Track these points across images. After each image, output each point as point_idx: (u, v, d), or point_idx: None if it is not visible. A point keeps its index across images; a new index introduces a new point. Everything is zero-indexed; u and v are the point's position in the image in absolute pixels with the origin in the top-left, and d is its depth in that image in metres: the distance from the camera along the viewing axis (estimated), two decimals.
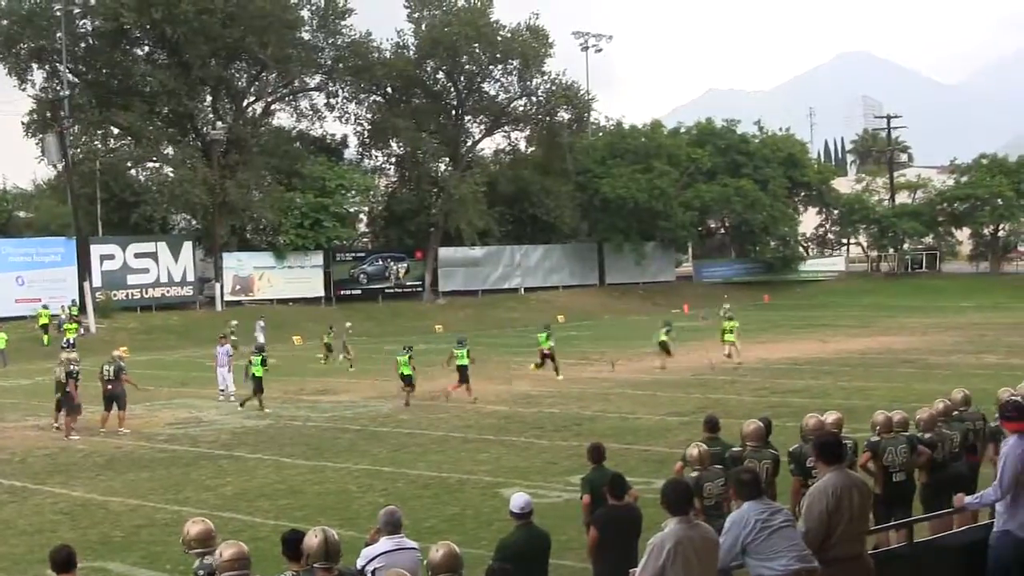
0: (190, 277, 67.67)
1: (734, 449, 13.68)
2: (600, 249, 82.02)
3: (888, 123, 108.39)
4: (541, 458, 23.17)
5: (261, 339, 47.46)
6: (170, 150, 69.77)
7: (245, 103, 73.46)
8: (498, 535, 16.63)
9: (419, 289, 74.20)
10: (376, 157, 79.65)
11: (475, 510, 18.49)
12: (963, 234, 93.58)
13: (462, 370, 33.25)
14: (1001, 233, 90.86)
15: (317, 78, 74.64)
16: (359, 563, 9.64)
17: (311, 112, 75.83)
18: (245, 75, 72.97)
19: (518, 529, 10.93)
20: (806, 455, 12.50)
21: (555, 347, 39.07)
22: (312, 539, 8.57)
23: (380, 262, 73.51)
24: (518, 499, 11.01)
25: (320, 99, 75.36)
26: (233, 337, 43.61)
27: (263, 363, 32.79)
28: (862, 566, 9.01)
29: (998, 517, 10.32)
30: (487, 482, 20.77)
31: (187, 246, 67.95)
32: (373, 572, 9.54)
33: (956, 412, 15.09)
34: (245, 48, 68.41)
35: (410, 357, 32.98)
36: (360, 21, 73.06)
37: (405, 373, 32.74)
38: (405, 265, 74.30)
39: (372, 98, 75.87)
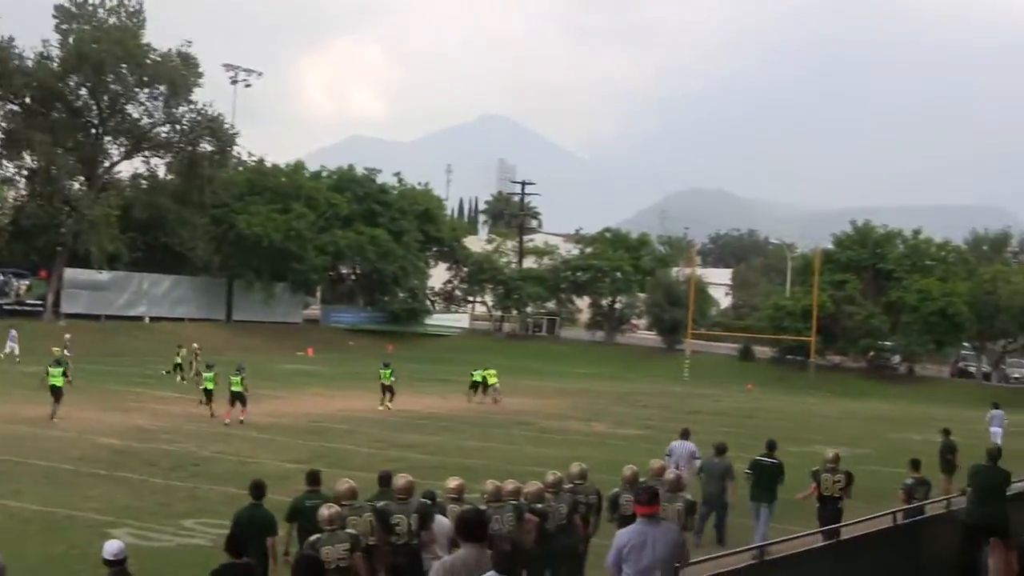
0: None
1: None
2: (230, 285, 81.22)
3: (522, 188, 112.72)
4: (154, 498, 22.74)
5: (15, 348, 54.15)
6: None
7: None
8: None
9: (40, 309, 71.25)
10: (7, 168, 75.91)
11: (81, 550, 17.77)
12: (583, 302, 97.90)
13: (236, 395, 36.12)
14: (618, 305, 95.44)
15: None
16: None
17: None
18: None
19: None
20: (389, 513, 13.34)
21: (395, 382, 43.78)
22: None
23: (1, 277, 70.27)
24: (111, 546, 10.98)
25: None
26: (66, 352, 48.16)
27: (64, 374, 34.78)
28: None
29: None
30: (96, 520, 20.21)
31: None
32: None
33: (570, 485, 15.55)
34: None
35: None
36: (3, 26, 69.89)
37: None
38: (28, 282, 71.30)
39: (9, 106, 72.51)
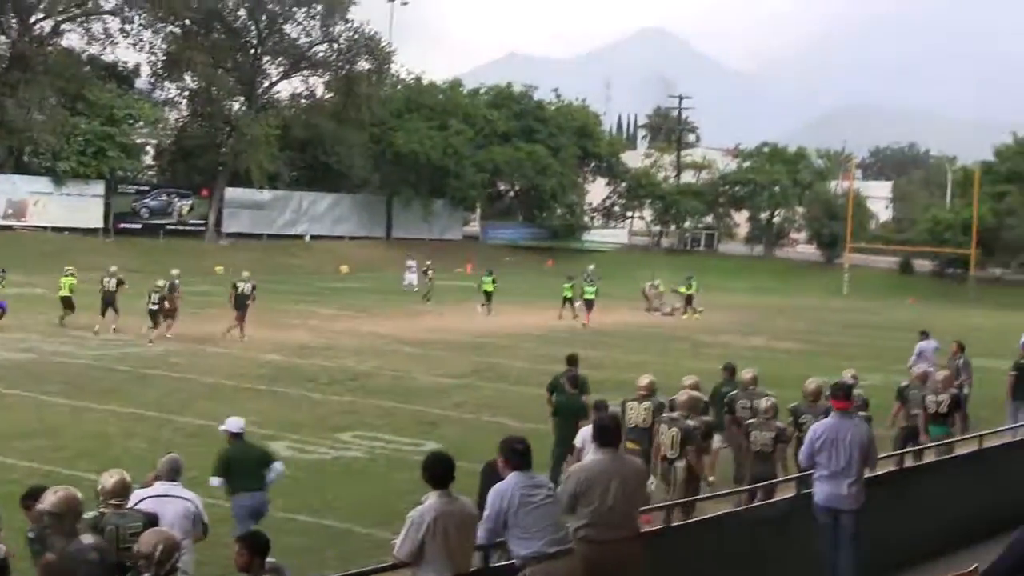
0: None
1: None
2: (389, 202, 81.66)
3: (679, 103, 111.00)
4: (313, 412, 22.80)
5: (413, 280, 57.83)
6: None
7: (33, 19, 69.75)
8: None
9: (202, 228, 72.42)
10: (169, 89, 76.93)
11: None
12: (741, 217, 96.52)
13: (586, 302, 43.82)
14: (776, 219, 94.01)
15: (112, 1, 71.66)
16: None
17: (103, 36, 72.48)
18: None
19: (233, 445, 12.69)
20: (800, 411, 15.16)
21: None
22: (107, 478, 8.78)
23: (164, 197, 71.46)
24: (235, 422, 12.85)
25: (114, 23, 72.04)
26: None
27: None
28: (622, 549, 8.86)
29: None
30: (256, 434, 20.13)
31: None
32: None
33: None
34: None
35: (494, 280, 45.58)
36: None
37: (487, 291, 44.89)
38: (190, 202, 72.41)
39: (169, 28, 73.35)
